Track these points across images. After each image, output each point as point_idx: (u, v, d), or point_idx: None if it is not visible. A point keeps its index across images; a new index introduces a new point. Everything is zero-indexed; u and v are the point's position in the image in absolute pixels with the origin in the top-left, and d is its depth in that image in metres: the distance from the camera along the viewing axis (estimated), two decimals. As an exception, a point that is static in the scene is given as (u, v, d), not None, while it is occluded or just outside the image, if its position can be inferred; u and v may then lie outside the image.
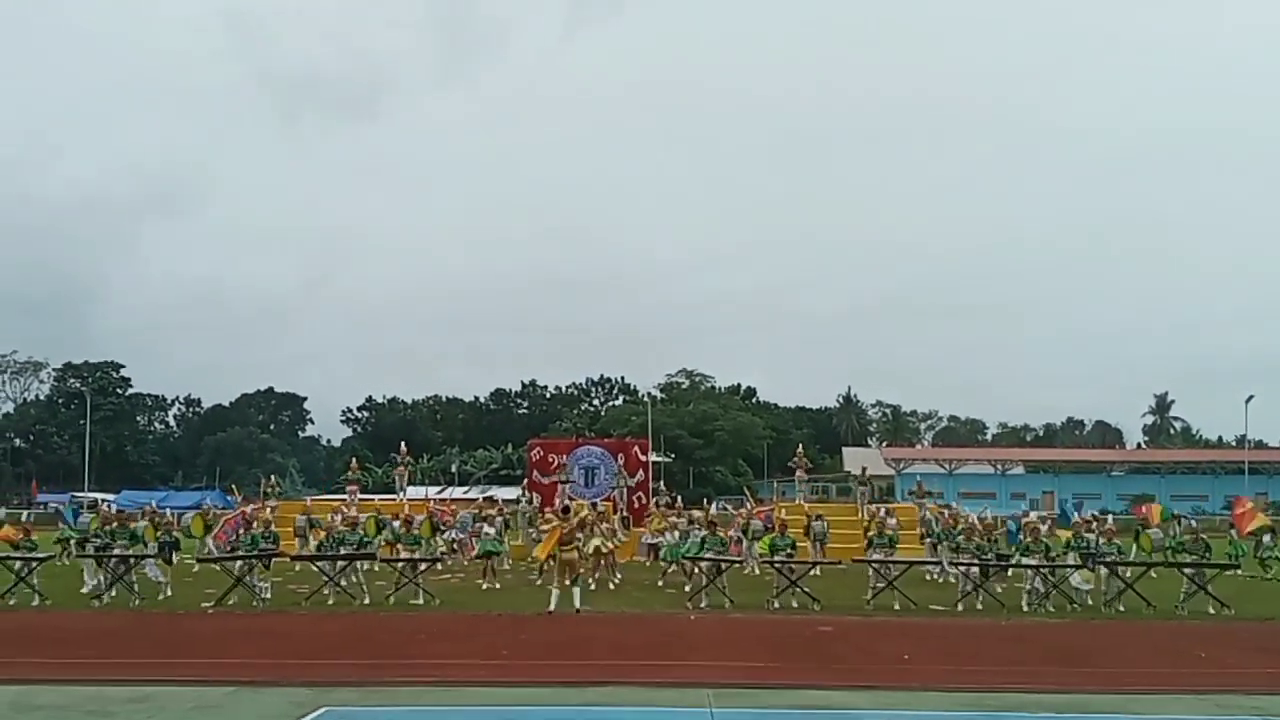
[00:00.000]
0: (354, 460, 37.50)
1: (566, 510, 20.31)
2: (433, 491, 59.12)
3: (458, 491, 65.75)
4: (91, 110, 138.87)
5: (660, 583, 21.69)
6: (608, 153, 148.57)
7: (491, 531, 22.89)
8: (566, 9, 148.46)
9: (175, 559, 19.86)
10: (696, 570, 19.01)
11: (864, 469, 36.47)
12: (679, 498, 33.46)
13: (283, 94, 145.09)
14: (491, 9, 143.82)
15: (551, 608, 16.47)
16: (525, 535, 28.48)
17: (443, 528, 25.42)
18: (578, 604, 16.58)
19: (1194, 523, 22.40)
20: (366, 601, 18.20)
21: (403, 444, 36.73)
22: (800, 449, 37.47)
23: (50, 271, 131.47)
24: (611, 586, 20.71)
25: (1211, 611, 17.56)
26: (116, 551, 19.22)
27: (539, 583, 21.40)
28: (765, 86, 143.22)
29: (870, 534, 19.65)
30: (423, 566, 19.41)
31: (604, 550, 21.57)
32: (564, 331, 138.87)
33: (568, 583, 16.88)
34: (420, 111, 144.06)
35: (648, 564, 26.20)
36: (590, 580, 20.20)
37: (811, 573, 19.53)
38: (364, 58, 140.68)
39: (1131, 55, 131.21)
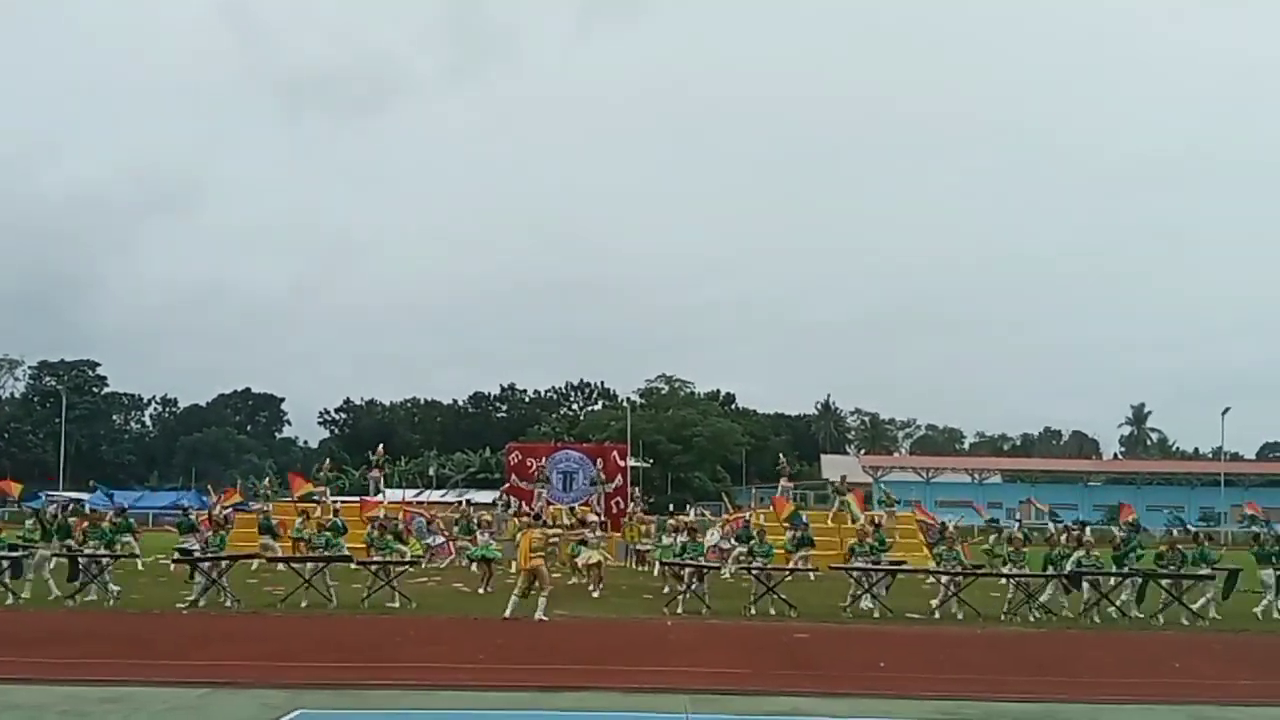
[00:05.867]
0: (327, 461, 37.10)
1: (539, 517, 20.02)
2: (410, 494, 59.05)
3: (435, 495, 65.72)
4: (91, 108, 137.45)
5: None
6: (606, 158, 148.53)
7: (485, 537, 22.53)
8: (577, 13, 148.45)
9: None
10: (674, 575, 19.07)
11: (843, 477, 36.62)
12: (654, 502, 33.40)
13: (285, 94, 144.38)
14: (501, 12, 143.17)
15: (507, 614, 16.14)
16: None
17: (424, 531, 25.29)
18: (540, 614, 16.07)
19: (1174, 532, 22.54)
20: (333, 604, 18.07)
21: (380, 446, 36.29)
22: (783, 457, 37.59)
23: (44, 270, 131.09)
24: (595, 595, 20.46)
25: (1185, 623, 17.71)
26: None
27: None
28: (763, 98, 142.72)
29: (870, 542, 19.54)
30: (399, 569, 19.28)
31: (603, 562, 21.54)
32: (544, 335, 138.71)
33: (532, 591, 16.36)
34: (422, 114, 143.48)
35: (628, 567, 26.23)
36: (595, 590, 20.35)
37: (786, 579, 19.55)
38: (368, 58, 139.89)
39: (1119, 74, 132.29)
